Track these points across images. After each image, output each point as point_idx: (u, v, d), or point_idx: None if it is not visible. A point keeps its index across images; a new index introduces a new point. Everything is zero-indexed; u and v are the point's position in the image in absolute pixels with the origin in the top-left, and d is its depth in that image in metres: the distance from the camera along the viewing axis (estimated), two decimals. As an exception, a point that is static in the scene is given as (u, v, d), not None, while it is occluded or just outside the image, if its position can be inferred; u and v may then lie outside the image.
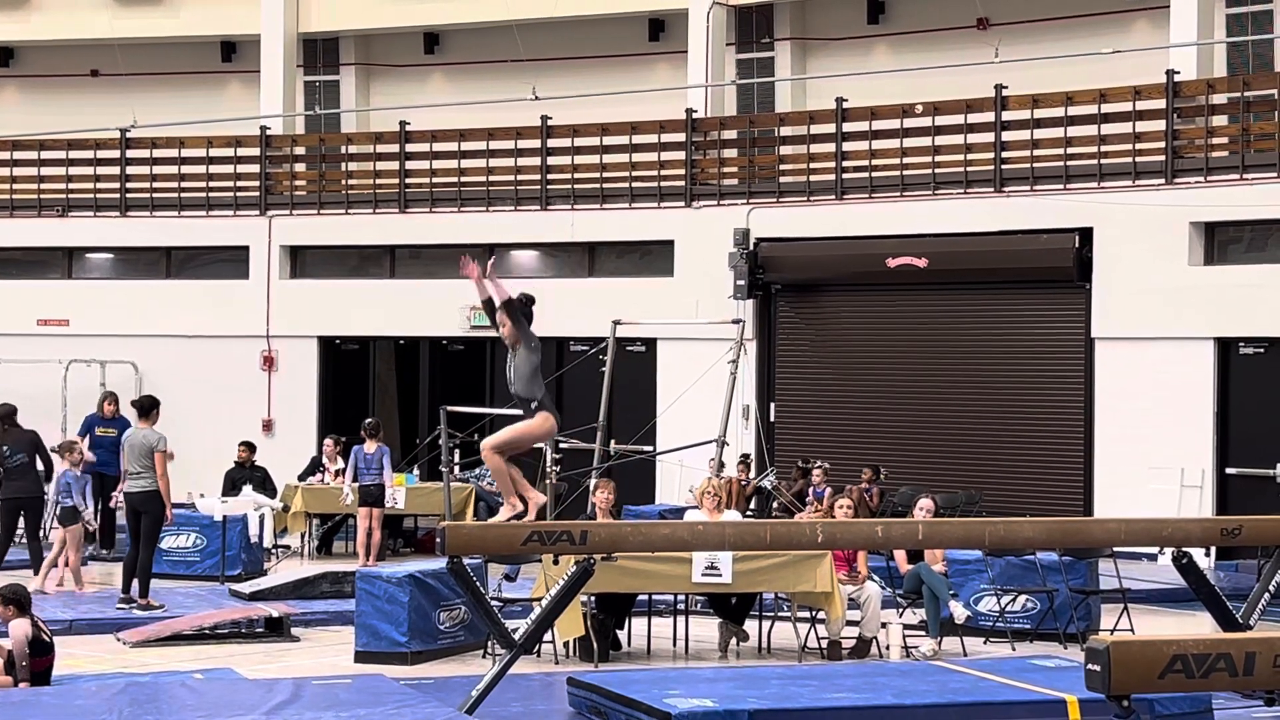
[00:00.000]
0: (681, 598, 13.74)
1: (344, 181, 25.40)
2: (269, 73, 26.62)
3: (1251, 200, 19.41)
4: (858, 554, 13.60)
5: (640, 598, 13.58)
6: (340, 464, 19.60)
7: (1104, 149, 20.64)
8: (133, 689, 10.36)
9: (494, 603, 10.98)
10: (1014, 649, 13.62)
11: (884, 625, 13.38)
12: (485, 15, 26.07)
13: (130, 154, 25.97)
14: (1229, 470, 19.67)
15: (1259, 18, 21.86)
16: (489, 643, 12.77)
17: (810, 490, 19.64)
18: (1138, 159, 20.34)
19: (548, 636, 12.30)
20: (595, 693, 10.01)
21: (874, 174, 22.06)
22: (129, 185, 25.97)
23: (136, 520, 14.96)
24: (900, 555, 14.22)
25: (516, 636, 9.10)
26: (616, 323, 20.13)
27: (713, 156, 23.46)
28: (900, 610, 14.01)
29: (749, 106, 25.09)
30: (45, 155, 26.25)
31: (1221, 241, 20.04)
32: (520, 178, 24.22)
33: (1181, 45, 20.78)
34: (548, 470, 18.66)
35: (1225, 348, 19.74)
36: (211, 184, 25.69)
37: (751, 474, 20.44)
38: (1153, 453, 19.75)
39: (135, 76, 27.67)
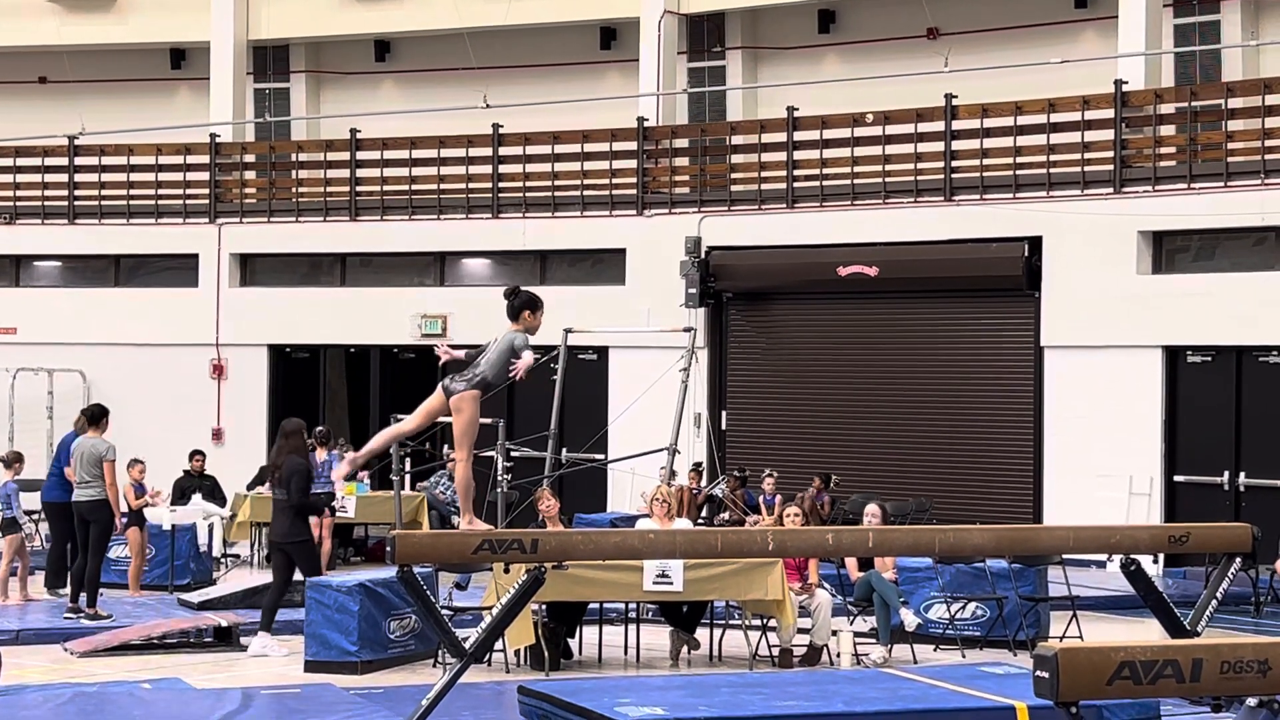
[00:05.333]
0: (633, 606, 13.73)
1: (294, 189, 25.32)
2: (219, 80, 26.51)
3: (1199, 209, 19.54)
4: (808, 562, 13.62)
5: (591, 606, 13.56)
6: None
7: (1053, 158, 20.75)
8: (80, 699, 10.30)
9: (444, 611, 10.95)
10: (964, 656, 13.66)
11: (835, 633, 13.40)
12: (436, 23, 26.03)
13: (79, 161, 25.83)
14: (1177, 478, 19.79)
15: (1206, 28, 22.02)
16: (439, 652, 12.74)
17: (760, 499, 19.68)
18: (1086, 168, 20.47)
19: (498, 645, 12.28)
20: (546, 701, 9.99)
21: (825, 183, 22.13)
22: (77, 193, 25.83)
23: (85, 529, 14.87)
24: (851, 563, 14.26)
25: (467, 645, 9.06)
26: (568, 331, 20.13)
27: (664, 165, 23.49)
28: (851, 618, 14.04)
29: (700, 115, 25.14)
30: (-7, 163, 26.12)
31: (1169, 250, 20.16)
32: (472, 186, 24.19)
33: (1129, 55, 20.92)
34: (499, 479, 18.63)
35: (1173, 356, 19.87)
36: (161, 191, 25.57)
37: (703, 482, 20.46)
38: (1101, 460, 19.86)
39: (84, 84, 27.53)
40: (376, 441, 9.89)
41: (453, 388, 9.24)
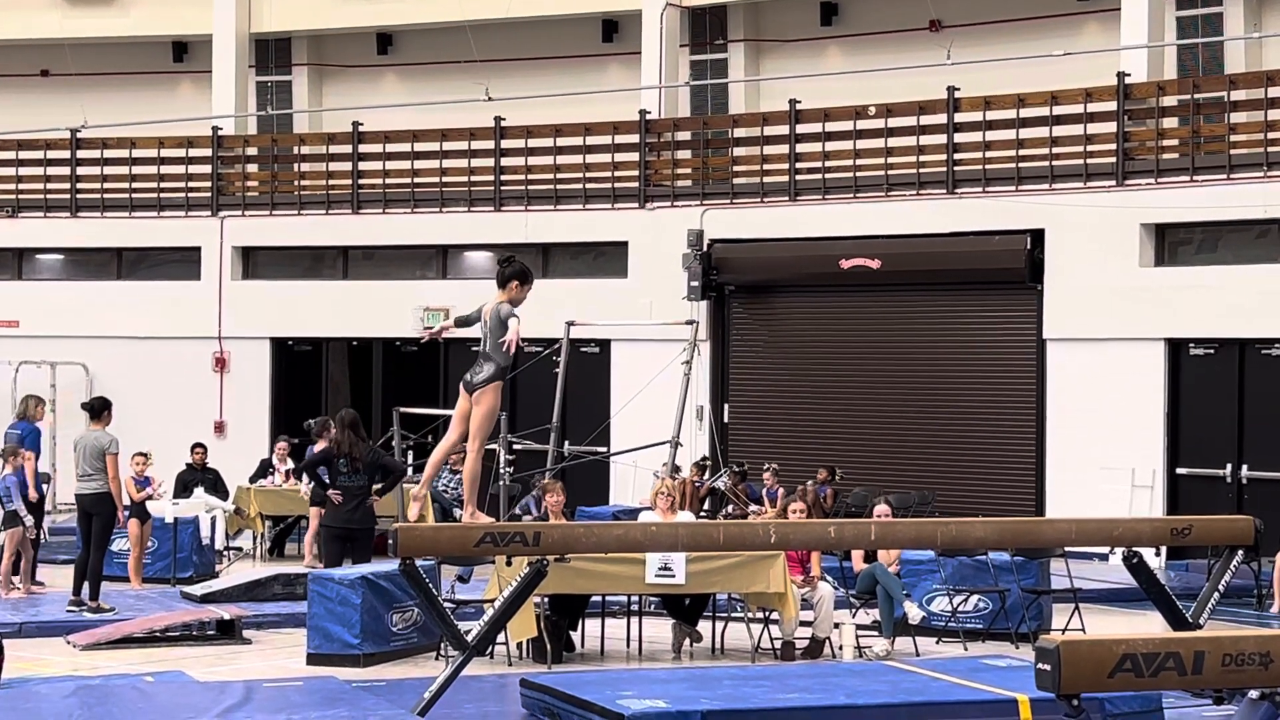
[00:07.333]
0: (635, 599, 13.74)
1: (296, 182, 25.33)
2: (221, 73, 26.50)
3: (1201, 202, 19.53)
4: (811, 555, 13.62)
5: (594, 599, 13.57)
6: (291, 465, 19.59)
7: (1055, 150, 20.74)
8: (83, 692, 10.29)
9: (447, 604, 10.96)
10: (966, 649, 13.66)
11: (837, 626, 13.39)
12: (438, 16, 26.02)
13: (81, 154, 25.83)
14: (1179, 470, 19.79)
15: (1209, 20, 22.00)
16: (442, 645, 12.75)
17: (763, 491, 19.68)
18: (1089, 160, 20.45)
19: (501, 638, 12.28)
20: (548, 694, 9.99)
21: (827, 175, 22.12)
22: (80, 186, 25.83)
23: (87, 522, 14.87)
24: (858, 554, 14.25)
25: (469, 638, 9.08)
26: (570, 324, 20.13)
27: (666, 158, 23.48)
28: (853, 610, 14.04)
29: (702, 108, 25.12)
30: (-5, 155, 26.11)
31: (1172, 243, 20.16)
32: (474, 179, 24.20)
33: (1132, 48, 20.89)
34: (501, 471, 18.63)
35: (1176, 349, 19.86)
36: (163, 185, 25.58)
37: (706, 475, 20.45)
38: (1104, 453, 19.85)
39: (86, 76, 27.51)
40: (431, 468, 10.36)
41: (474, 383, 9.53)
